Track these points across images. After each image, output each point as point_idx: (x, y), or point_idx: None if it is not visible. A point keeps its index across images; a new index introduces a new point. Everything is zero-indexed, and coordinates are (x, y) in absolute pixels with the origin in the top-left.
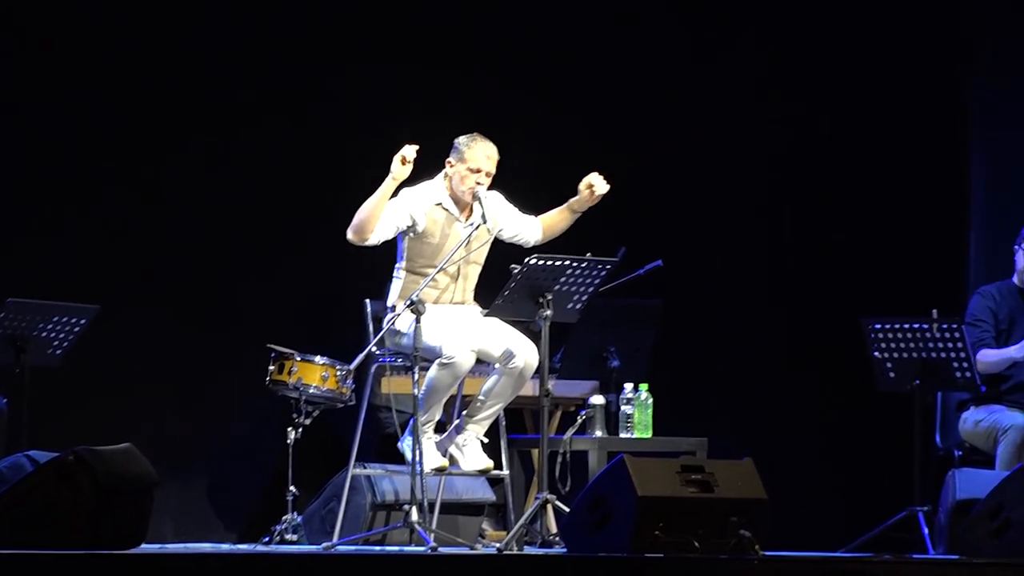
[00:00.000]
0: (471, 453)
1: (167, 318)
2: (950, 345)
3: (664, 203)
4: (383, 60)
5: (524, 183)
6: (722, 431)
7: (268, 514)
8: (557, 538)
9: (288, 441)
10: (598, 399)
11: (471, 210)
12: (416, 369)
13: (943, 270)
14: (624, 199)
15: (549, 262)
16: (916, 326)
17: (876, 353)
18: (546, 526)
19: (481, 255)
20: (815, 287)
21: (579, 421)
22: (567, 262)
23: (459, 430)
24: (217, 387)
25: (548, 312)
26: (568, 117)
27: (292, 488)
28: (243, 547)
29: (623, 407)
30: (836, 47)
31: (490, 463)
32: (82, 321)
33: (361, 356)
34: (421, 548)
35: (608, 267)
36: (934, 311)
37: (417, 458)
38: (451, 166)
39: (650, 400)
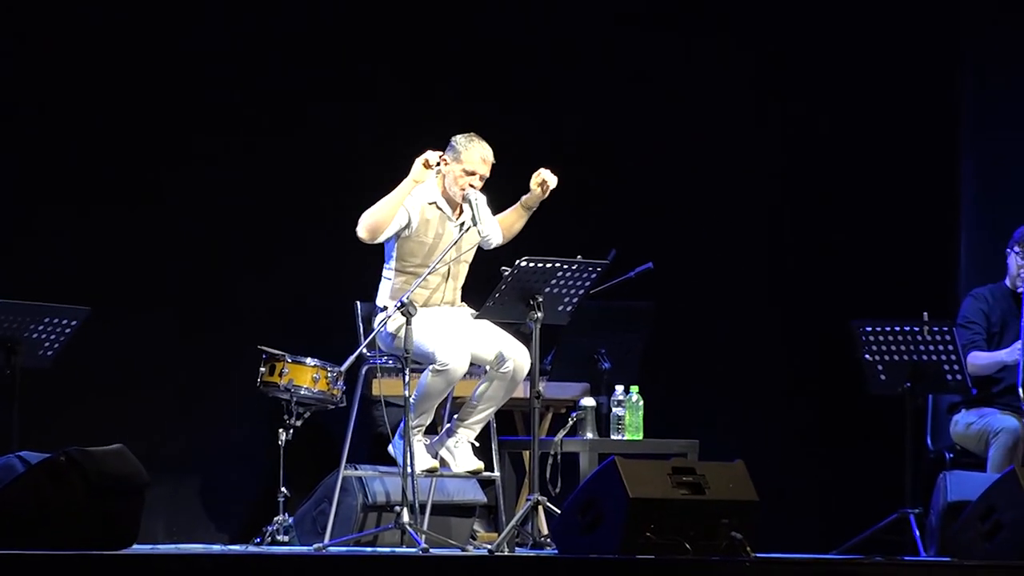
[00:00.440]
0: (462, 455)
1: (159, 320)
2: (941, 348)
3: (655, 205)
4: (383, 61)
5: (521, 183)
6: (713, 433)
7: (259, 515)
8: (548, 540)
9: (279, 442)
10: (589, 401)
11: (461, 209)
12: (407, 371)
13: (934, 273)
14: (616, 200)
15: (540, 264)
16: (907, 328)
17: (867, 356)
18: (537, 528)
19: (470, 255)
20: (806, 290)
21: (570, 423)
22: (558, 264)
23: (450, 433)
24: (208, 388)
25: (539, 314)
26: (564, 117)
27: (283, 489)
28: (234, 548)
29: (614, 409)
30: (828, 49)
31: (481, 465)
32: (73, 322)
33: (352, 358)
34: (412, 549)
35: (599, 269)
36: (925, 314)
37: (408, 459)
38: (446, 164)
39: (641, 402)
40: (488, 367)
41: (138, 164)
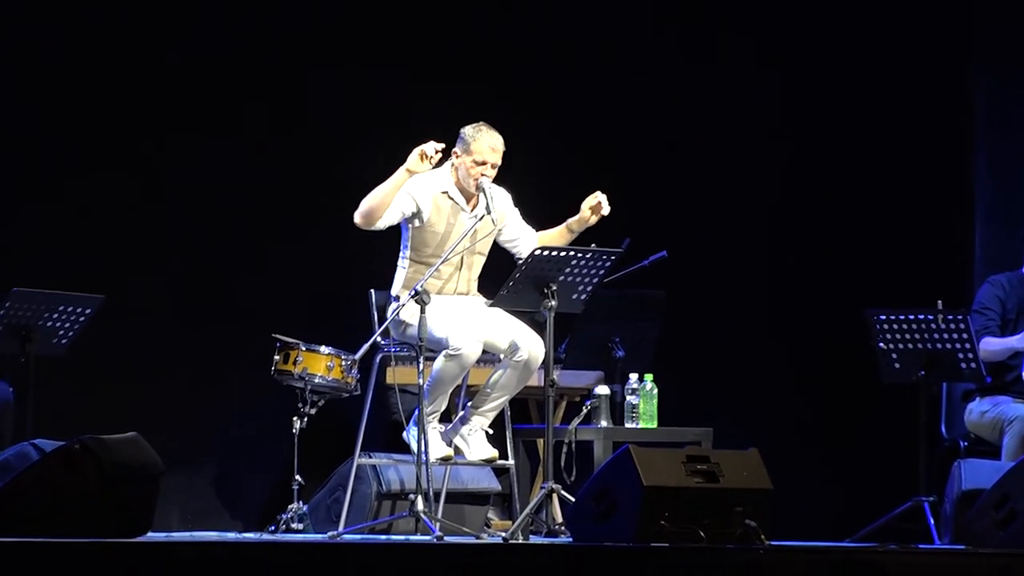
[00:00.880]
0: (476, 443)
1: (174, 307)
2: (955, 336)
3: (669, 194)
4: (387, 54)
5: (530, 179)
6: (727, 421)
7: (274, 503)
8: (562, 527)
9: (293, 431)
10: (603, 389)
11: (477, 200)
12: (421, 359)
13: (948, 261)
14: (630, 190)
15: (554, 253)
16: (921, 317)
17: (881, 344)
18: (551, 516)
19: (485, 246)
20: (821, 278)
21: (584, 411)
22: (572, 253)
23: (464, 421)
24: (223, 377)
25: (553, 303)
26: (572, 110)
27: (298, 477)
28: (249, 536)
29: (628, 397)
30: (842, 39)
31: (495, 453)
32: (87, 311)
33: (366, 346)
34: (427, 537)
35: (613, 258)
36: (939, 302)
37: (422, 447)
38: (457, 156)
39: (655, 390)
40: (502, 355)
41: (145, 156)
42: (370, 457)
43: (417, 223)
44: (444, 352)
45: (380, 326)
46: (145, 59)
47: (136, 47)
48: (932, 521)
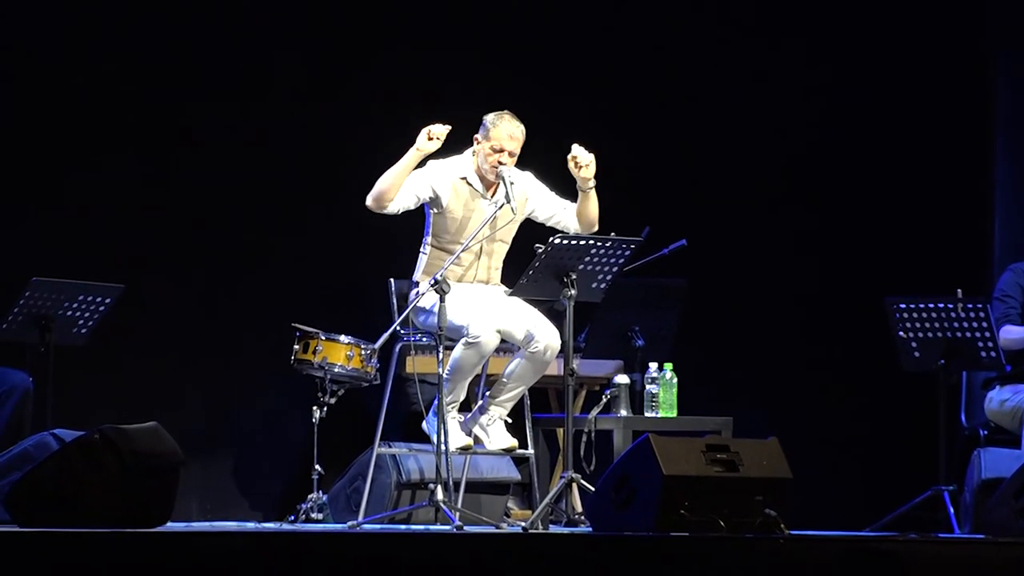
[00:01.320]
0: (496, 432)
1: (194, 297)
2: (975, 324)
3: (689, 182)
4: (408, 41)
5: (554, 164)
6: (747, 410)
7: (293, 493)
8: (582, 517)
9: (313, 420)
10: (623, 378)
11: (496, 188)
12: (441, 348)
13: (968, 249)
14: (649, 178)
15: (573, 241)
16: (941, 305)
17: (901, 333)
18: (571, 505)
19: (507, 234)
20: (841, 267)
21: (604, 400)
22: (591, 241)
23: (483, 410)
24: (242, 366)
25: (573, 291)
26: (592, 96)
27: (317, 467)
28: (268, 526)
29: (648, 386)
30: (862, 26)
31: (515, 442)
32: (107, 300)
33: (386, 335)
34: (446, 527)
35: (632, 246)
36: (959, 290)
37: (442, 437)
38: (477, 143)
39: (675, 379)
40: (519, 346)
41: (163, 142)
42: (390, 447)
43: (436, 209)
44: (462, 340)
45: (399, 315)
46: (167, 35)
47: (147, 30)
48: (952, 510)
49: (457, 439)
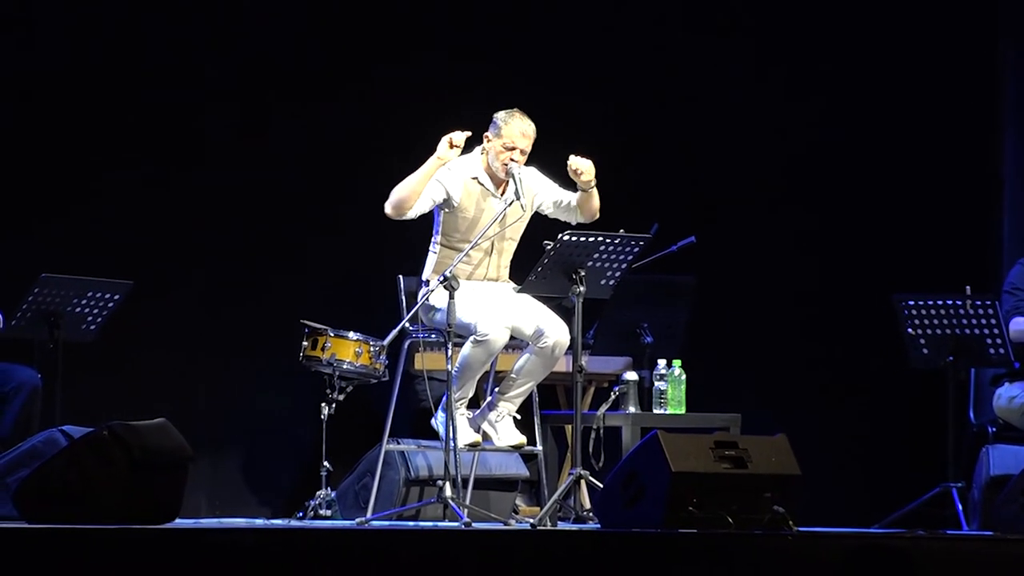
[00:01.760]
0: (504, 429)
1: (202, 293)
2: (984, 321)
3: (697, 179)
4: (408, 40)
5: (553, 164)
6: (756, 407)
7: (302, 489)
8: (591, 514)
9: (322, 417)
10: (631, 375)
11: (506, 186)
12: (450, 345)
13: (976, 245)
14: (658, 175)
15: (582, 238)
16: (949, 302)
17: (909, 330)
18: (579, 502)
19: (516, 232)
20: (849, 264)
21: (612, 397)
22: (600, 238)
23: (492, 407)
24: (251, 363)
25: (581, 288)
26: (595, 96)
27: (326, 463)
28: (277, 522)
29: (656, 383)
30: (869, 22)
31: (523, 439)
32: (116, 297)
33: (394, 332)
34: (455, 523)
35: (641, 243)
36: (967, 287)
37: (450, 434)
38: (488, 141)
39: (683, 376)
40: (528, 341)
41: (172, 138)
42: (398, 443)
43: (448, 208)
44: (471, 338)
45: (409, 312)
46: (182, 36)
47: (167, 34)
48: (960, 507)
49: (466, 436)
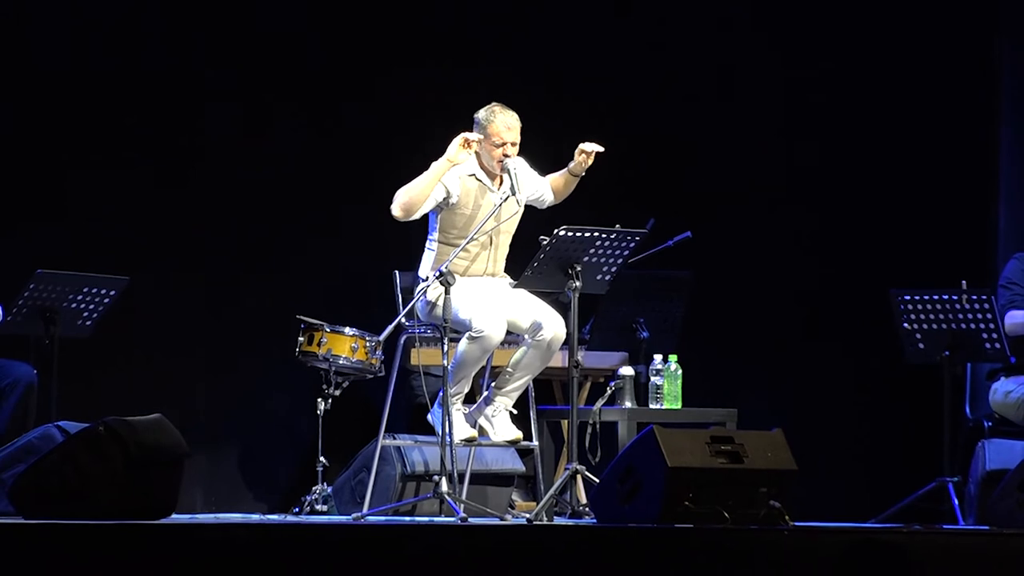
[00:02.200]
0: (500, 424)
1: (197, 289)
2: (980, 316)
3: (693, 174)
4: (408, 39)
5: (561, 152)
6: (752, 402)
7: (298, 485)
8: (587, 508)
9: (318, 412)
10: (627, 370)
11: (502, 180)
12: (446, 340)
13: (973, 240)
14: (654, 170)
15: (578, 233)
16: (946, 297)
17: (905, 324)
18: (576, 496)
19: (512, 225)
20: (845, 257)
21: (608, 392)
22: (596, 233)
23: (488, 401)
24: (247, 358)
25: (577, 283)
26: (599, 91)
27: (322, 459)
28: (273, 518)
29: (652, 378)
30: (863, 15)
31: (519, 434)
32: (112, 293)
33: (390, 327)
34: (451, 519)
35: (637, 238)
36: (964, 282)
37: (447, 429)
38: (479, 144)
39: (679, 371)
40: (524, 335)
41: (172, 134)
42: (394, 439)
43: (446, 206)
44: (467, 334)
45: (405, 307)
46: (186, 32)
47: (163, 25)
48: (956, 502)
49: (462, 431)
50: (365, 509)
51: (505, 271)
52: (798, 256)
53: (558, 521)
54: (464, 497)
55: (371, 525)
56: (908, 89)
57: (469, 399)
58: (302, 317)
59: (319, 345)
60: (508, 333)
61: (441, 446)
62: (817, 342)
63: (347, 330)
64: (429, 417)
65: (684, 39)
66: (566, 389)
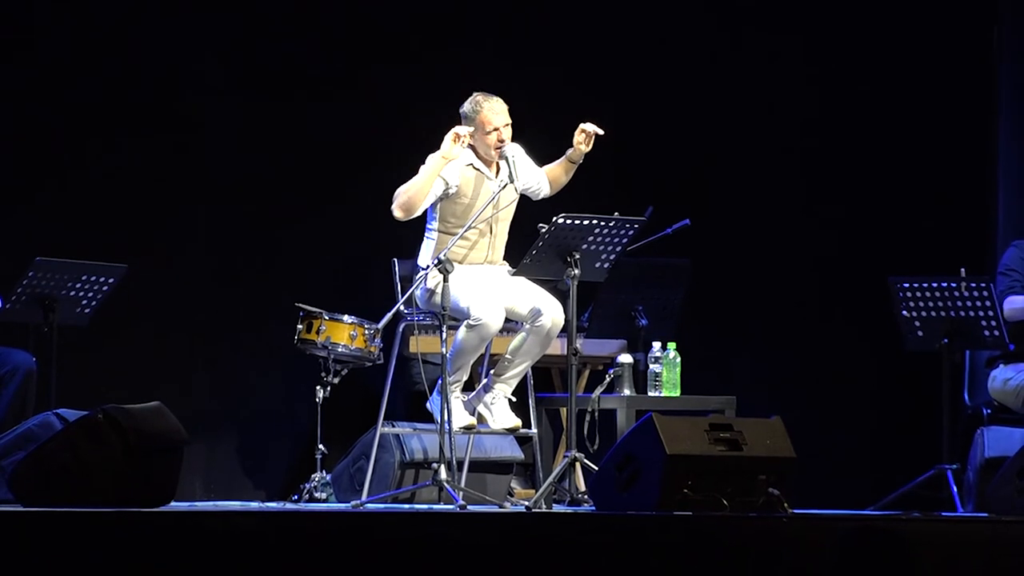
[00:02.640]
0: (499, 411)
1: (196, 277)
2: (979, 304)
3: (691, 161)
4: (407, 36)
5: (558, 140)
6: (751, 389)
7: (297, 472)
8: (585, 496)
9: (317, 400)
10: (626, 358)
11: (499, 168)
12: (444, 328)
13: (971, 228)
14: (652, 158)
15: (577, 221)
16: (944, 284)
17: (904, 312)
18: (574, 484)
19: (510, 212)
20: (844, 245)
21: (607, 380)
22: (595, 221)
23: (487, 389)
24: (246, 346)
25: (576, 271)
26: (601, 76)
27: (321, 447)
28: (272, 505)
29: (651, 366)
30: (862, 4)
31: (518, 421)
32: (111, 280)
33: (389, 315)
34: (450, 506)
35: (636, 226)
36: (963, 269)
37: (445, 416)
38: (471, 137)
39: (678, 359)
40: (523, 322)
41: (171, 122)
42: (393, 426)
43: (445, 197)
44: (466, 322)
45: (403, 295)
46: (178, 22)
47: (169, 10)
48: (955, 489)
49: (460, 418)
50: (364, 497)
51: (504, 258)
52: (797, 244)
53: (557, 509)
54: (463, 485)
55: (370, 513)
56: (907, 78)
57: (468, 387)
58: (301, 305)
59: (318, 333)
60: (507, 320)
61: (440, 434)
62: (816, 330)
63: (346, 318)
64: (428, 405)
65: (678, 26)
66: (565, 377)
